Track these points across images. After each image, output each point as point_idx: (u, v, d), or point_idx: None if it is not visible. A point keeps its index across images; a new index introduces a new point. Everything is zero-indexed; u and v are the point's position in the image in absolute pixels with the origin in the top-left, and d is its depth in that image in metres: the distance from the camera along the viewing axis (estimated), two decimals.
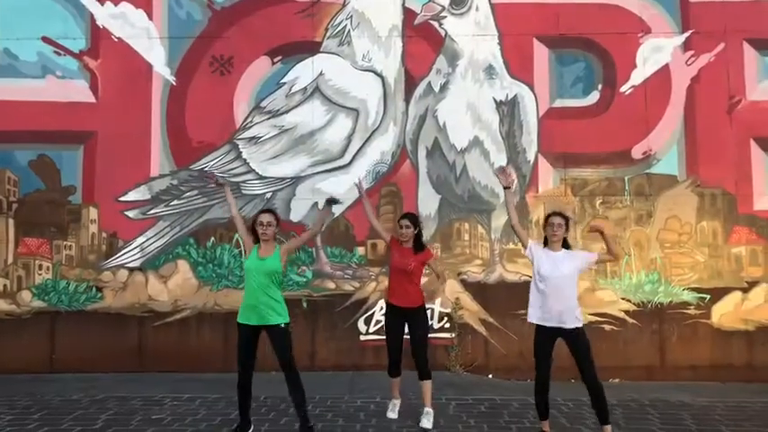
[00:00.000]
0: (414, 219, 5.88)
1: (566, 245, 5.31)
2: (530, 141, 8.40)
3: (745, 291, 8.18)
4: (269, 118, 8.38)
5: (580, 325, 5.15)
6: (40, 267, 8.22)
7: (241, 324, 5.22)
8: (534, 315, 5.23)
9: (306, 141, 8.34)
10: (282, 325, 5.22)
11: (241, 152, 8.33)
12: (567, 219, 5.31)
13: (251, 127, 8.38)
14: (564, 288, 5.13)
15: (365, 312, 8.17)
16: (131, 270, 8.23)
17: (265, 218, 5.31)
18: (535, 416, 6.03)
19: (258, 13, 8.49)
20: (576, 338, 5.12)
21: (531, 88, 8.43)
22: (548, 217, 5.35)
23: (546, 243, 5.34)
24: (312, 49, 8.45)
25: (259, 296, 5.15)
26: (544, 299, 5.15)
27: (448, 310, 8.14)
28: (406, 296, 5.73)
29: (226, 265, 8.24)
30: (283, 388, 5.28)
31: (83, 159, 8.33)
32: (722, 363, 8.03)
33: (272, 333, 5.20)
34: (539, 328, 5.21)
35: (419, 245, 5.81)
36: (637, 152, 8.36)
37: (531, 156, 8.39)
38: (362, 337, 8.14)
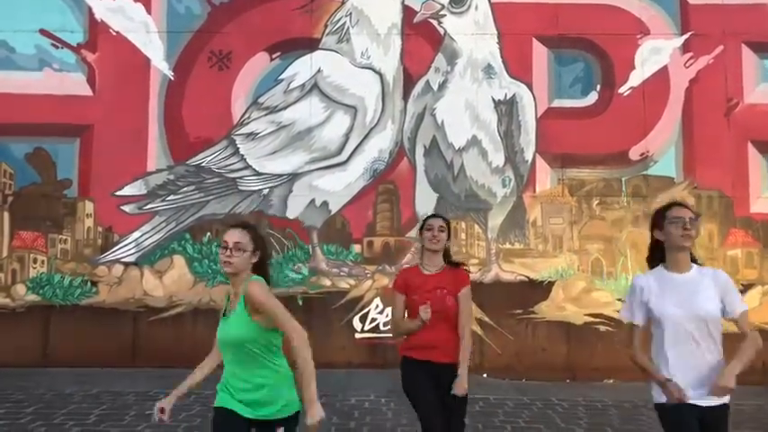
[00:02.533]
0: (447, 220, 4.00)
1: (693, 258, 3.23)
2: (528, 141, 8.39)
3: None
4: (267, 114, 8.36)
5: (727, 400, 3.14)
6: (35, 261, 8.18)
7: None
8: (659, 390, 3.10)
9: (303, 138, 8.32)
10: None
11: (238, 148, 8.30)
12: (697, 215, 3.18)
13: (249, 123, 8.36)
14: (705, 334, 3.21)
15: (360, 310, 8.15)
16: (126, 265, 8.20)
17: (233, 236, 3.02)
18: (530, 415, 6.06)
19: (257, 9, 8.47)
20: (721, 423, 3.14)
21: (530, 88, 8.42)
22: (665, 209, 3.17)
23: (662, 259, 3.19)
24: (311, 45, 8.44)
25: (228, 377, 3.08)
26: (671, 355, 3.14)
27: None
28: (447, 346, 3.81)
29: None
30: None
31: (79, 153, 8.30)
32: None
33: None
34: (672, 409, 3.06)
35: (451, 260, 4.01)
36: (634, 153, 8.36)
37: (528, 155, 8.38)
38: (357, 335, 8.11)
